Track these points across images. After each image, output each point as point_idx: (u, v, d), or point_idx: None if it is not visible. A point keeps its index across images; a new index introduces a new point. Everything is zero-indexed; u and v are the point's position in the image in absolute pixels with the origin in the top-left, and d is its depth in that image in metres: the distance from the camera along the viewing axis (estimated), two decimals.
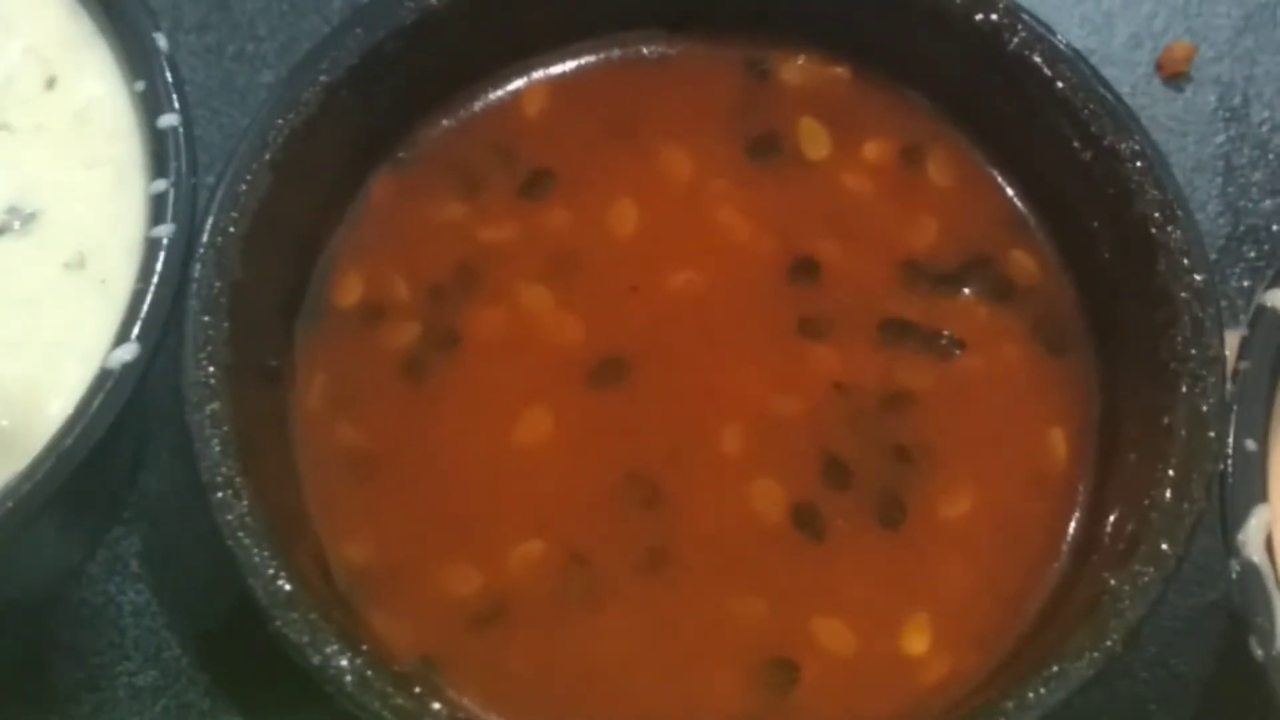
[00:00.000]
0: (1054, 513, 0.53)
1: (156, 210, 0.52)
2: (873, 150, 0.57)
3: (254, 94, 0.66)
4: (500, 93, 0.57)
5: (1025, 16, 0.54)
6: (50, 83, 0.55)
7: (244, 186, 0.51)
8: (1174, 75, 0.66)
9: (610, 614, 0.51)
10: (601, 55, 0.58)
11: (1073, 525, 0.53)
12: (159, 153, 0.53)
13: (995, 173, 0.57)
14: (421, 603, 0.52)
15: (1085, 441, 0.54)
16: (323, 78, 0.53)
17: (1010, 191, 0.56)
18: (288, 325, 0.54)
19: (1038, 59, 0.54)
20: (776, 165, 0.57)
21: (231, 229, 0.51)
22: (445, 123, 0.57)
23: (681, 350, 0.55)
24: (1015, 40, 0.54)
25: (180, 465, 0.59)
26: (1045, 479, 0.54)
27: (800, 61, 0.58)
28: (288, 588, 0.47)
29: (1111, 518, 0.51)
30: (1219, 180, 0.64)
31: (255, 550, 0.47)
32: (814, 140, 0.57)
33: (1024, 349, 0.55)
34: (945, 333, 0.55)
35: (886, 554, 0.52)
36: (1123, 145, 0.53)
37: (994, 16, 0.54)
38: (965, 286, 0.55)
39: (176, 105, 0.53)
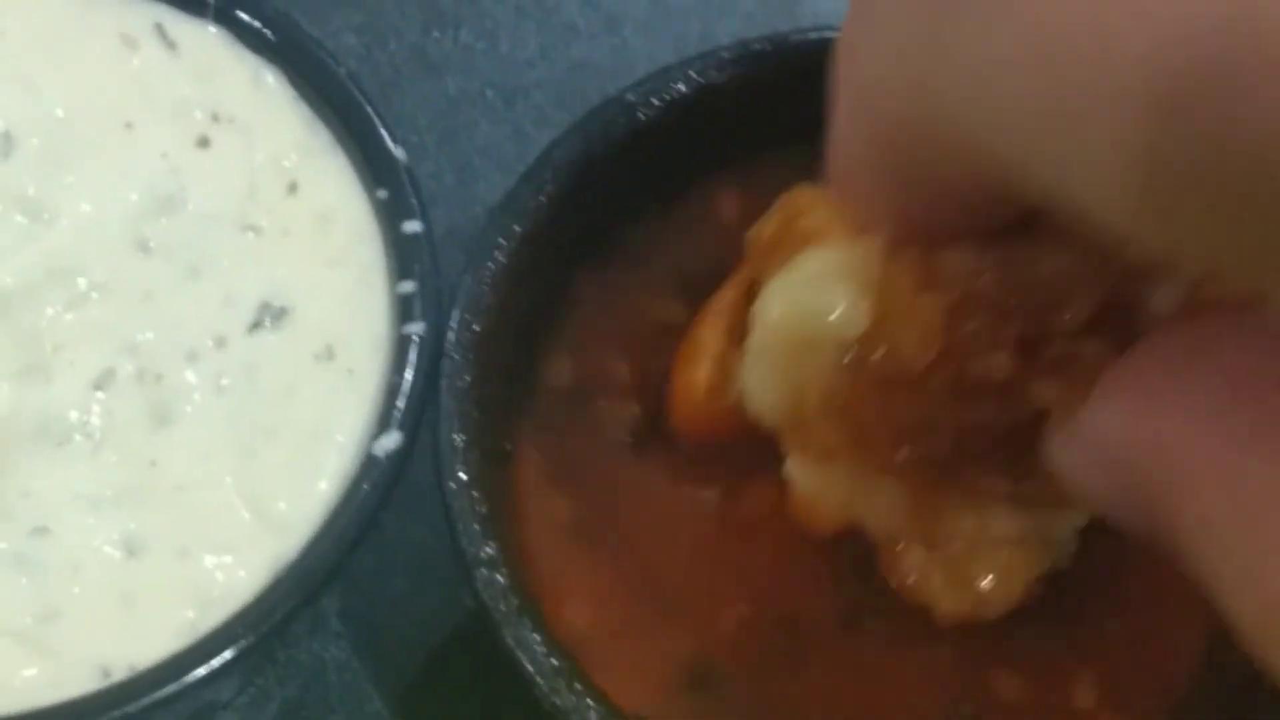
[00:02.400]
0: None
1: (402, 308, 0.57)
2: None
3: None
4: (693, 197, 0.63)
5: None
6: (292, 188, 0.60)
7: (483, 288, 0.57)
8: None
9: (813, 672, 0.57)
10: (782, 162, 0.63)
11: None
12: (401, 255, 0.58)
13: None
14: (638, 664, 0.57)
15: None
16: (548, 186, 0.58)
17: None
18: (511, 409, 0.59)
19: None
20: None
21: (474, 327, 0.56)
22: (645, 223, 0.62)
23: None
24: None
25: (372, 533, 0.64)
26: None
27: None
28: (554, 661, 0.52)
29: None
30: None
31: (520, 623, 0.52)
32: None
33: None
34: None
35: (1055, 615, 0.58)
36: None
37: None
38: None
39: (418, 212, 0.58)
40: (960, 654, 0.57)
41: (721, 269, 0.61)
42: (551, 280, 0.61)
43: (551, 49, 0.78)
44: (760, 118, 0.62)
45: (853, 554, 0.57)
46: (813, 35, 0.62)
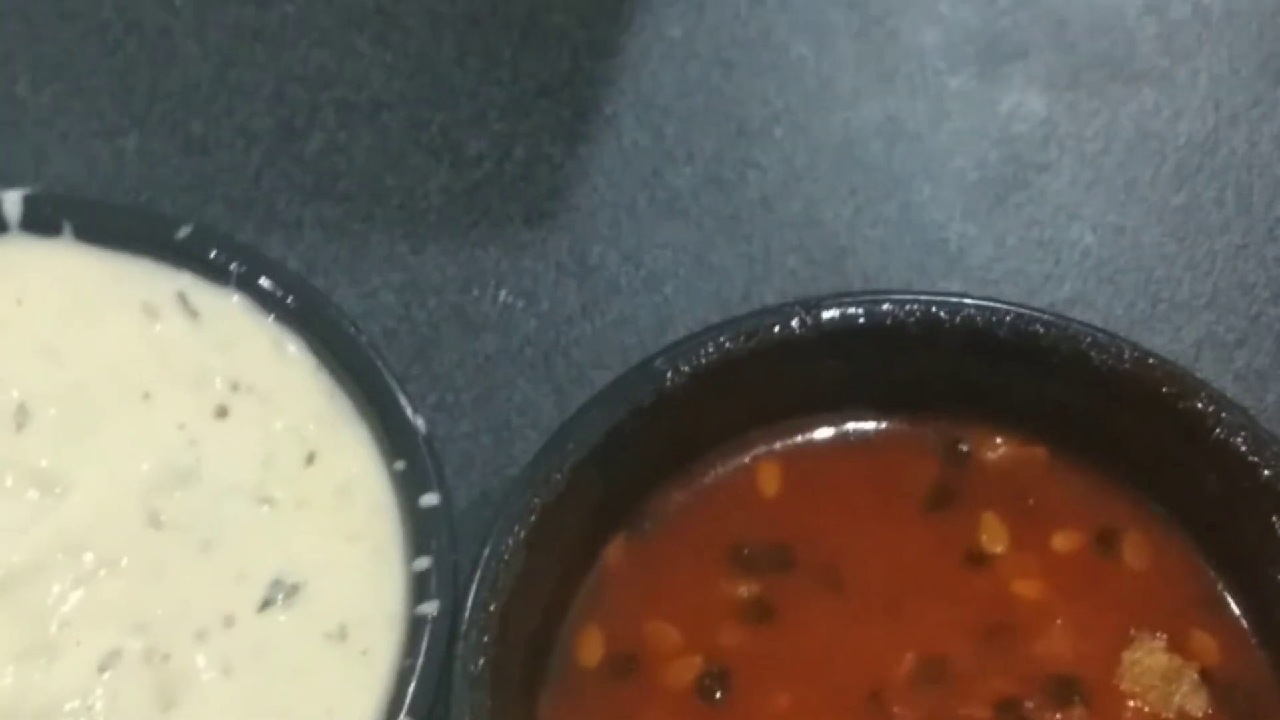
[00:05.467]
0: None
1: (417, 585, 0.55)
2: (1062, 541, 0.60)
3: (454, 443, 0.70)
4: (731, 463, 0.61)
5: (1228, 403, 0.58)
6: (310, 459, 0.58)
7: (502, 565, 0.54)
8: None
9: None
10: (817, 432, 0.62)
11: None
12: (418, 530, 0.56)
13: (1190, 551, 0.59)
14: None
15: None
16: (570, 458, 0.56)
17: (1204, 569, 0.59)
18: (532, 689, 0.56)
19: (1242, 446, 0.57)
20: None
21: (491, 606, 0.54)
22: (682, 490, 0.60)
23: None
24: (1219, 428, 0.57)
25: None
26: None
27: (998, 443, 0.61)
28: None
29: None
30: None
31: None
32: (994, 536, 0.60)
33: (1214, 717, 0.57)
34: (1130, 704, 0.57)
35: None
36: None
37: (1198, 404, 0.57)
38: None
39: (435, 484, 0.57)
40: None
41: (765, 538, 0.59)
42: (579, 552, 0.58)
43: (592, 306, 0.76)
44: (792, 384, 0.60)
45: None
46: (846, 300, 0.60)
